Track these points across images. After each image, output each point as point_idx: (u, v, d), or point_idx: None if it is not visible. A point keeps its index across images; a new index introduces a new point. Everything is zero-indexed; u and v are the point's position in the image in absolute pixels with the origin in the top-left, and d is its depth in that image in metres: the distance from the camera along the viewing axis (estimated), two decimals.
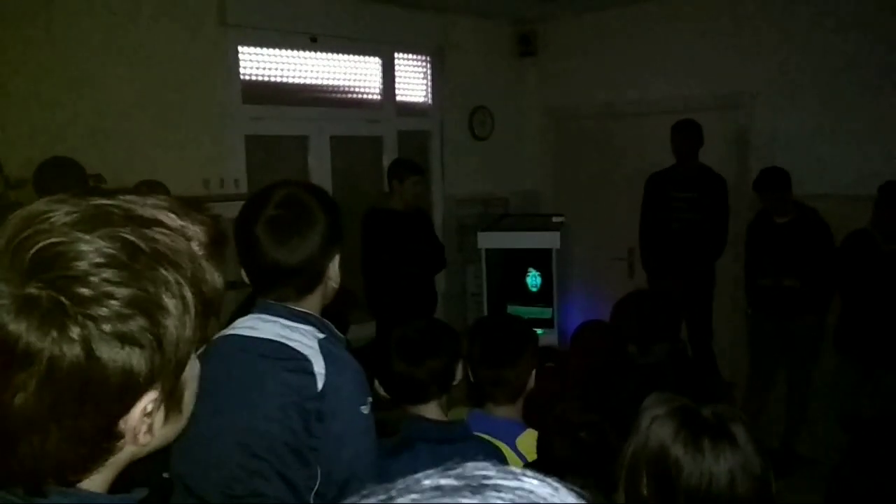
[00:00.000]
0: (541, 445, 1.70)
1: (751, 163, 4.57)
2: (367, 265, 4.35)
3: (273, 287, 1.42)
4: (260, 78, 4.44)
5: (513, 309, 5.22)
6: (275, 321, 1.40)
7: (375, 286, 4.34)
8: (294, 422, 1.32)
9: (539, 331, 4.79)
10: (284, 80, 4.57)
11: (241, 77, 4.32)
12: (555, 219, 5.18)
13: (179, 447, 1.37)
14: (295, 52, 4.58)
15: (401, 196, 4.31)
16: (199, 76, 4.06)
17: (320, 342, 1.37)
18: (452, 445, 1.68)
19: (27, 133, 3.46)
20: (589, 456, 1.59)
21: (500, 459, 1.70)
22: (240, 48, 4.30)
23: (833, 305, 3.93)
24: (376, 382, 1.80)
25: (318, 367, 1.33)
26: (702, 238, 4.34)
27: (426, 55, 5.35)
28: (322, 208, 1.42)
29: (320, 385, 1.32)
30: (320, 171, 4.76)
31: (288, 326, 1.39)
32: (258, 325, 1.41)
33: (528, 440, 1.85)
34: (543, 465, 1.62)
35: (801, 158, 4.32)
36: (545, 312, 5.02)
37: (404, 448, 1.68)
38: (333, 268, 1.47)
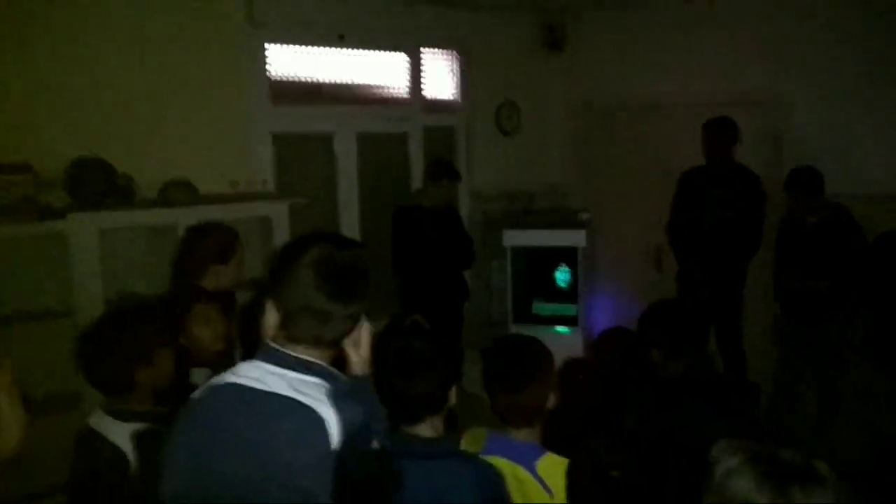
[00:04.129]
0: (571, 482, 1.68)
1: (785, 163, 4.48)
2: (398, 261, 4.41)
3: (313, 332, 1.39)
4: (287, 76, 4.45)
5: (538, 305, 5.22)
6: (283, 374, 1.36)
7: (407, 281, 4.41)
8: (312, 482, 1.28)
9: (564, 328, 4.86)
10: (312, 78, 4.58)
11: (269, 75, 4.34)
12: (581, 215, 5.15)
13: (182, 492, 1.36)
14: (322, 50, 4.59)
15: (431, 195, 4.34)
16: (226, 75, 4.08)
17: (329, 395, 1.35)
18: (437, 461, 1.67)
19: (57, 134, 3.51)
20: (619, 494, 1.58)
21: (490, 479, 1.71)
22: (267, 46, 4.31)
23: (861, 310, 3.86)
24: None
25: (332, 421, 1.31)
26: (733, 236, 4.27)
27: (453, 50, 5.32)
28: (369, 266, 1.45)
29: (335, 440, 1.30)
30: (347, 169, 4.78)
31: (297, 380, 1.36)
32: (266, 378, 1.37)
33: (547, 464, 1.83)
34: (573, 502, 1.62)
35: (835, 158, 4.24)
36: (570, 309, 5.00)
37: None
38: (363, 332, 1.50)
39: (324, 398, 1.33)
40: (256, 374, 1.38)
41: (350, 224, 4.82)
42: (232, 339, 2.52)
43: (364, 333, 1.53)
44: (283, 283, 1.39)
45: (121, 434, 1.86)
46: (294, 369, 1.37)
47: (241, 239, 2.89)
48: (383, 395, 1.61)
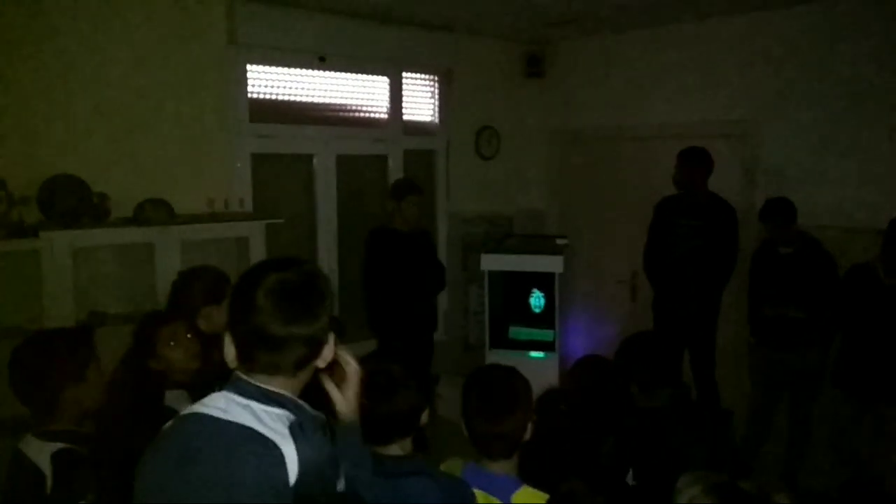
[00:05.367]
0: None
1: (758, 192, 4.56)
2: (369, 284, 4.37)
3: (267, 359, 1.36)
4: (268, 96, 4.45)
5: (515, 330, 5.21)
6: (248, 404, 1.34)
7: (377, 305, 4.37)
8: None
9: (541, 354, 4.86)
10: (292, 98, 4.58)
11: (249, 95, 4.33)
12: (558, 241, 5.17)
13: None
14: (303, 71, 4.60)
15: (401, 216, 4.34)
16: (206, 94, 4.06)
17: (291, 427, 1.32)
18: (404, 479, 1.67)
19: (31, 151, 3.46)
20: None
21: (458, 497, 1.70)
22: (248, 66, 4.31)
23: (835, 338, 3.91)
24: None
25: (290, 454, 1.29)
26: (707, 265, 4.32)
27: (434, 75, 5.36)
28: (328, 287, 1.43)
29: (293, 474, 1.28)
30: (326, 190, 4.77)
31: (261, 410, 1.34)
32: (230, 408, 1.35)
33: (524, 497, 1.82)
34: None
35: (807, 190, 4.32)
36: (547, 335, 5.00)
37: None
38: (329, 348, 1.44)
39: (285, 431, 1.31)
40: (222, 405, 1.36)
41: (328, 245, 4.80)
42: (214, 362, 2.48)
43: (352, 376, 1.50)
44: (235, 314, 1.38)
45: (41, 454, 1.84)
46: (258, 400, 1.35)
47: (231, 282, 2.85)
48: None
